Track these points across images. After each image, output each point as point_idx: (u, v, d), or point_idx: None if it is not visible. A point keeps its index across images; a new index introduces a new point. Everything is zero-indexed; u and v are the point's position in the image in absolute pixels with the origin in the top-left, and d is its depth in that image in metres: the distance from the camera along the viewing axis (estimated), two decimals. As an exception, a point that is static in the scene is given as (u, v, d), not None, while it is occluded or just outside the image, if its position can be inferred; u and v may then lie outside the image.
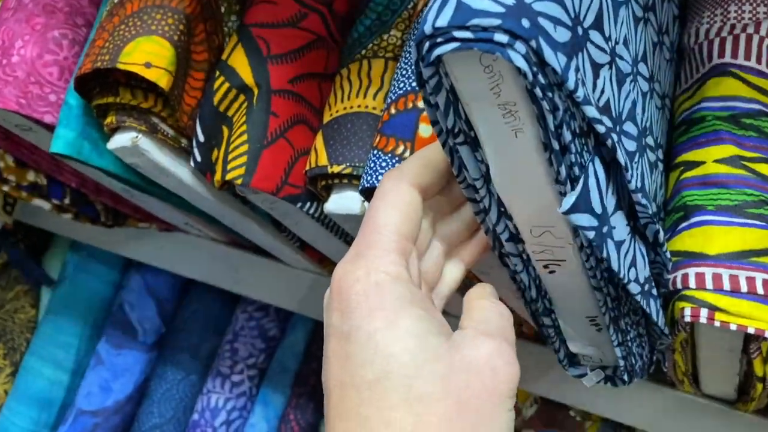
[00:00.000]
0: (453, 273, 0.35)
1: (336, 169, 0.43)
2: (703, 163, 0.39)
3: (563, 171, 0.28)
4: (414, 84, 0.39)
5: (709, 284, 0.37)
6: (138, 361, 0.82)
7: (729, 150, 0.39)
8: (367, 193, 0.41)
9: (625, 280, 0.34)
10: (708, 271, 0.37)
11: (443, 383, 0.26)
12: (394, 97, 0.39)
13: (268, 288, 0.70)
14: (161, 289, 0.83)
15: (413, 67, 0.39)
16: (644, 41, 0.37)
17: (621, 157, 0.30)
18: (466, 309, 0.31)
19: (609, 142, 0.30)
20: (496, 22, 0.24)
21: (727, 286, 0.36)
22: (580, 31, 0.28)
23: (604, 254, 0.32)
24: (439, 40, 0.25)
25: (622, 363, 0.41)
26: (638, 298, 0.35)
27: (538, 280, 0.38)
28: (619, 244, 0.33)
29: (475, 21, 0.24)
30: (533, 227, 0.34)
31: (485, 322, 0.30)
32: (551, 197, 0.30)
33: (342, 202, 0.44)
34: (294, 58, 0.46)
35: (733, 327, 0.36)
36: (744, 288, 0.36)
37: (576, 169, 0.29)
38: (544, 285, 0.38)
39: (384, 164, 0.38)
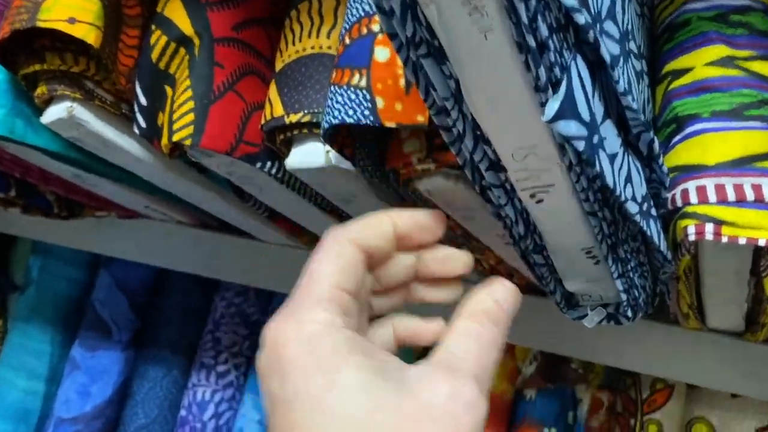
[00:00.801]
0: (383, 336, 0.31)
1: (293, 118, 0.39)
2: (692, 69, 0.36)
3: (543, 74, 0.25)
4: (366, 6, 0.35)
5: (712, 197, 0.33)
6: (115, 361, 0.77)
7: (719, 51, 0.35)
8: (331, 138, 0.37)
9: (622, 199, 0.30)
10: (709, 183, 0.34)
11: None
12: (347, 27, 0.35)
13: (244, 269, 0.66)
14: (131, 283, 0.78)
15: None
16: None
17: (605, 54, 0.27)
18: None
19: (591, 36, 0.26)
20: None
21: (731, 196, 0.33)
22: None
23: (597, 168, 0.28)
24: None
25: (624, 297, 0.38)
26: (637, 218, 0.32)
27: (525, 213, 0.35)
28: (612, 158, 0.29)
29: None
30: (515, 150, 0.30)
31: (451, 351, 0.27)
32: (532, 109, 0.27)
33: (304, 155, 0.40)
34: (236, 2, 0.42)
35: (742, 240, 0.33)
36: (750, 197, 0.33)
37: (557, 71, 0.25)
38: (533, 218, 0.35)
39: (341, 99, 0.34)
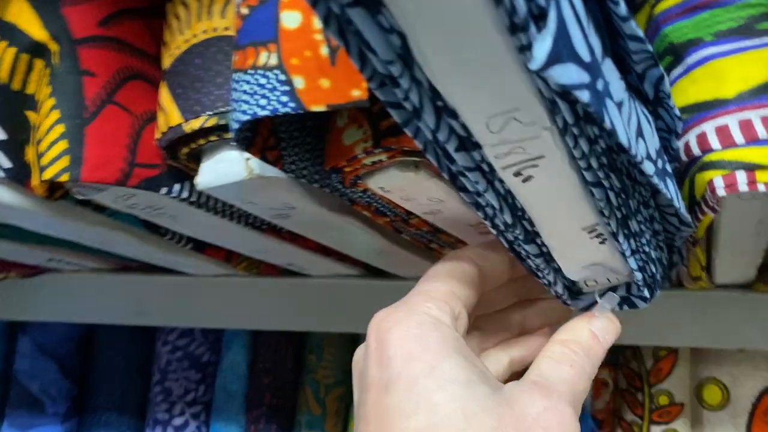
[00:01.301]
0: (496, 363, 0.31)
1: (195, 124, 0.30)
2: (681, -16, 0.29)
3: (521, 4, 0.17)
4: None
5: (738, 137, 0.26)
6: (54, 437, 0.67)
7: (709, -43, 0.28)
8: (247, 142, 0.28)
9: (638, 159, 0.23)
10: (732, 120, 0.27)
11: None
12: None
13: (179, 310, 0.57)
14: (57, 345, 0.68)
15: None
16: None
17: None
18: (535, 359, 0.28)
19: None
20: None
21: (762, 132, 0.26)
22: None
23: (607, 123, 0.21)
24: None
25: (639, 276, 0.31)
26: (654, 180, 0.25)
27: (511, 196, 0.27)
28: (619, 107, 0.22)
29: None
30: (490, 118, 0.22)
31: (546, 376, 0.26)
32: (509, 57, 0.19)
33: (218, 169, 0.32)
34: (99, -8, 0.33)
35: (783, 186, 0.26)
36: (785, 130, 0.26)
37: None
38: (520, 201, 0.27)
39: (248, 87, 0.26)
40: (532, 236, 0.29)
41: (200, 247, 0.44)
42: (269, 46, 0.26)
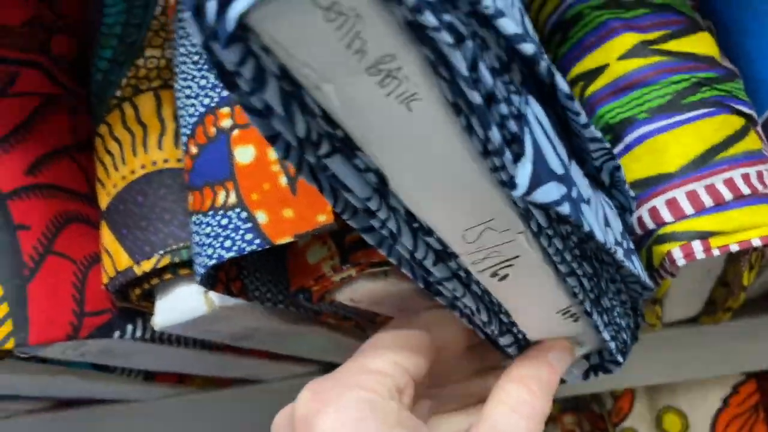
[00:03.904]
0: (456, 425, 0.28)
1: (147, 266, 0.29)
2: (605, 66, 0.30)
3: (495, 134, 0.18)
4: (207, 99, 0.26)
5: (687, 209, 0.28)
6: None
7: (629, 39, 0.30)
8: (212, 281, 0.27)
9: (611, 249, 0.24)
10: (679, 193, 0.28)
11: None
12: (189, 132, 0.26)
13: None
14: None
15: (201, 73, 0.26)
16: None
17: (562, 85, 0.20)
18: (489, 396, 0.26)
19: (543, 67, 0.19)
20: None
21: (708, 201, 0.28)
22: None
23: (586, 227, 0.21)
24: None
25: (612, 345, 0.31)
26: (625, 263, 0.25)
27: (487, 295, 0.27)
28: (588, 203, 0.23)
29: None
30: (466, 231, 0.22)
31: (500, 429, 0.24)
32: (484, 179, 0.20)
33: (176, 307, 0.30)
34: (21, 138, 0.31)
35: (734, 248, 0.27)
36: (728, 196, 0.28)
37: (512, 124, 0.18)
38: (495, 297, 0.27)
39: (210, 230, 0.25)
40: (508, 327, 0.29)
41: (151, 376, 0.42)
42: (226, 184, 0.25)
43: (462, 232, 0.22)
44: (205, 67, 0.27)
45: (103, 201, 0.31)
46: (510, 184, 0.19)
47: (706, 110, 0.29)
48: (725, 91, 0.29)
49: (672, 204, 0.28)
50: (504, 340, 0.29)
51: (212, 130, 0.26)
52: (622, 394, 0.60)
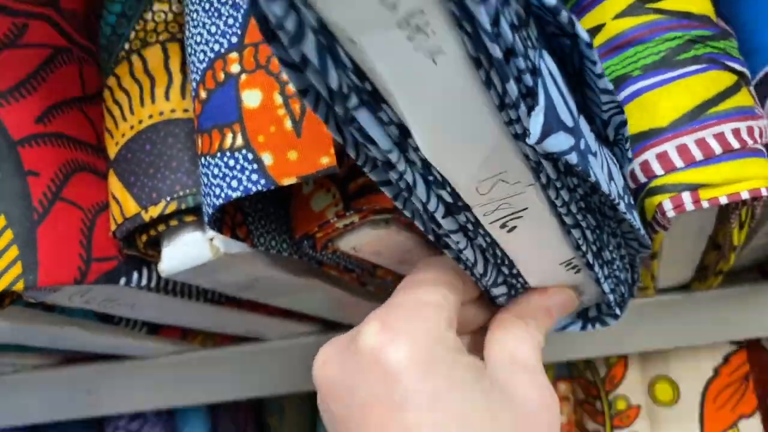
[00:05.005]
0: None
1: (154, 212, 0.30)
2: (602, 26, 0.31)
3: (512, 87, 0.19)
4: (216, 45, 0.27)
5: (678, 161, 0.29)
6: None
7: (625, -2, 0.31)
8: (219, 223, 0.28)
9: (615, 201, 0.25)
10: (670, 147, 0.29)
11: None
12: (198, 77, 0.27)
13: (134, 395, 0.55)
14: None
15: (211, 20, 0.26)
16: None
17: (582, 33, 0.21)
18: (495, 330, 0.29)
19: (564, 17, 0.20)
20: None
21: (698, 155, 0.29)
22: None
23: (592, 178, 0.22)
24: None
25: (611, 298, 0.32)
26: (627, 217, 0.26)
27: (492, 247, 0.28)
28: (595, 156, 0.24)
29: None
30: (480, 183, 0.23)
31: (516, 356, 0.27)
32: (500, 132, 0.21)
33: (182, 253, 0.31)
34: (31, 88, 0.32)
35: (723, 200, 0.28)
36: (717, 149, 0.29)
37: (527, 79, 0.19)
38: (501, 249, 0.28)
39: (218, 171, 0.26)
40: (506, 277, 0.30)
41: (155, 329, 0.43)
42: (234, 126, 0.26)
43: (476, 184, 0.23)
44: (215, 14, 0.27)
45: (112, 150, 0.32)
46: (523, 135, 0.20)
47: (698, 66, 0.29)
48: (719, 48, 0.30)
49: (662, 157, 0.29)
50: (497, 291, 0.30)
51: (221, 75, 0.27)
52: (616, 362, 0.62)
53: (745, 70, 0.31)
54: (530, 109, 0.19)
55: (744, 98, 0.30)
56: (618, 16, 0.31)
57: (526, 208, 0.24)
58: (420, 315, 0.24)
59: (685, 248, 0.39)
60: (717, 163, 0.29)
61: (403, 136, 0.20)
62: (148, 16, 0.33)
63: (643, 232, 0.28)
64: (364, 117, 0.19)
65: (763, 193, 0.29)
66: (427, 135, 0.20)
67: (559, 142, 0.20)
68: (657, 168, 0.29)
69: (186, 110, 0.31)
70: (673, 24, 0.30)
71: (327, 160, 0.26)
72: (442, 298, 0.25)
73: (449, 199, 0.23)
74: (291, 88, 0.26)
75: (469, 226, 0.25)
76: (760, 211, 0.34)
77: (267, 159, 0.26)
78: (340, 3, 0.16)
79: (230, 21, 0.27)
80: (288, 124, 0.26)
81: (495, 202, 0.23)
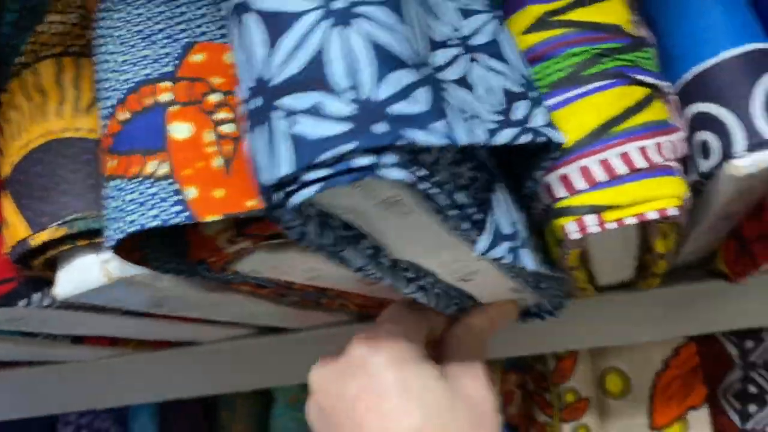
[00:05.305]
0: None
1: (42, 237, 0.29)
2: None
3: (466, 225, 0.25)
4: (147, 70, 0.26)
5: (580, 184, 0.28)
6: None
7: (533, 12, 0.29)
8: (118, 247, 0.27)
9: (541, 270, 0.28)
10: (572, 170, 0.28)
11: None
12: (120, 97, 0.26)
13: (80, 394, 0.54)
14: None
15: (144, 44, 0.26)
16: None
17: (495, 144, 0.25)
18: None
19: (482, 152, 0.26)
20: (350, 146, 0.20)
21: (601, 176, 0.28)
22: (428, 71, 0.23)
23: (523, 266, 0.27)
24: (291, 188, 0.21)
25: (548, 306, 0.36)
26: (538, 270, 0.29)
27: (448, 289, 0.32)
28: (528, 245, 0.28)
29: (327, 155, 0.20)
30: (440, 266, 0.29)
31: (463, 362, 0.32)
32: (458, 244, 0.26)
33: (76, 277, 0.30)
34: None
35: (630, 221, 0.28)
36: (622, 169, 0.28)
37: (477, 215, 0.25)
38: (457, 289, 0.33)
39: (135, 197, 0.25)
40: (458, 303, 0.34)
41: (78, 339, 0.42)
42: (158, 154, 0.25)
43: (437, 267, 0.29)
44: (148, 40, 0.27)
45: (5, 170, 0.31)
46: (475, 248, 0.25)
47: (605, 82, 0.28)
48: (628, 60, 0.29)
49: (565, 180, 0.28)
50: (449, 310, 0.34)
51: (148, 101, 0.26)
52: (565, 356, 0.61)
53: (658, 82, 0.29)
54: (480, 232, 0.25)
55: (655, 112, 0.29)
56: (527, 31, 0.30)
57: (478, 270, 0.29)
58: (394, 333, 0.30)
59: (614, 256, 0.39)
60: (622, 183, 0.28)
61: (375, 251, 0.27)
62: (42, 28, 0.31)
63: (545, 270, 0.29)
64: (348, 252, 0.25)
65: (671, 213, 0.28)
66: (398, 250, 0.27)
67: (498, 252, 0.25)
68: (560, 191, 0.28)
69: (78, 129, 0.30)
70: (580, 37, 0.29)
71: (253, 203, 0.25)
72: (412, 322, 0.31)
73: (414, 275, 0.29)
74: (223, 129, 0.26)
75: (428, 284, 0.29)
76: (685, 221, 0.33)
77: (191, 192, 0.25)
78: (338, 201, 0.23)
79: (165, 50, 0.27)
80: (217, 161, 0.26)
81: (454, 270, 0.29)
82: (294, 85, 0.21)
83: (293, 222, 0.23)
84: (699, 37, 0.31)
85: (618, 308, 0.52)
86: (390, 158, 0.20)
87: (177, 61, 0.27)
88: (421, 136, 0.21)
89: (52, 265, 0.31)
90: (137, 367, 0.52)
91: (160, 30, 0.27)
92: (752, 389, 0.61)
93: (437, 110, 0.21)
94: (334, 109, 0.20)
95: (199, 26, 0.28)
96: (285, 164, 0.20)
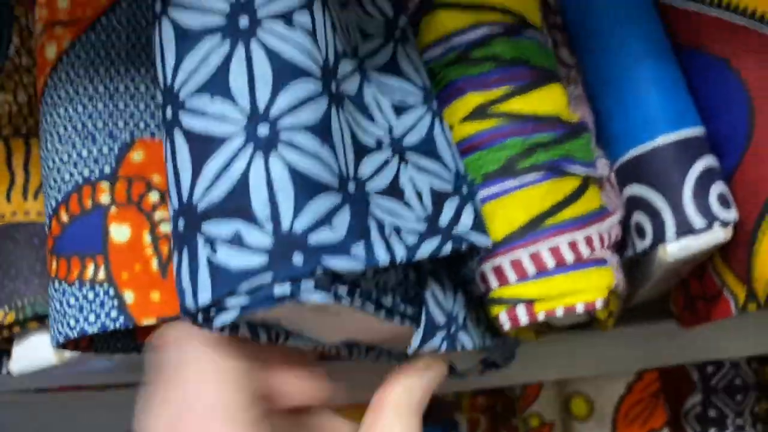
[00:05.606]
0: None
1: (-8, 323, 0.30)
2: (452, 128, 0.30)
3: (398, 320, 0.26)
4: (86, 171, 0.27)
5: (511, 276, 0.29)
6: None
7: (471, 101, 0.30)
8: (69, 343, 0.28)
9: (479, 346, 0.29)
10: (504, 261, 0.29)
11: None
12: (60, 197, 0.27)
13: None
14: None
15: (83, 142, 0.27)
16: None
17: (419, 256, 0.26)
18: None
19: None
20: (268, 277, 0.21)
21: (531, 270, 0.29)
22: (352, 188, 0.24)
23: (459, 348, 0.28)
24: (211, 313, 0.21)
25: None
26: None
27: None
28: (465, 327, 0.28)
29: (244, 286, 0.21)
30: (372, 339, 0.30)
31: None
32: (394, 329, 0.27)
33: (30, 355, 0.31)
34: None
35: (559, 312, 0.29)
36: (551, 263, 0.29)
37: (410, 310, 0.27)
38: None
39: (74, 302, 0.26)
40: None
41: (43, 389, 0.43)
42: (97, 258, 0.26)
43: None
44: (89, 138, 0.28)
45: (-42, 250, 0.32)
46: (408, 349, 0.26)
47: (536, 176, 0.29)
48: (561, 152, 0.30)
49: (497, 271, 0.29)
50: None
51: (88, 203, 0.27)
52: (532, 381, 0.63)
53: (589, 171, 0.30)
54: (417, 324, 0.26)
55: (587, 203, 0.30)
56: (464, 120, 0.30)
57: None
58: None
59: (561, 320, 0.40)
60: (551, 276, 0.29)
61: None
62: (-9, 108, 0.32)
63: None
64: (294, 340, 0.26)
65: (598, 305, 0.29)
66: (336, 339, 0.28)
67: (433, 344, 0.26)
68: (493, 281, 0.29)
69: (27, 212, 0.31)
70: (514, 129, 0.30)
71: None
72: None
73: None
74: (162, 229, 0.27)
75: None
76: (624, 292, 0.34)
77: (129, 297, 0.26)
78: (265, 316, 0.23)
79: (105, 150, 0.28)
80: (154, 264, 0.26)
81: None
82: (217, 211, 0.21)
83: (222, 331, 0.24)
84: (639, 119, 0.32)
85: (577, 344, 0.53)
86: (308, 284, 0.21)
87: (117, 160, 0.27)
88: (339, 264, 0.21)
89: (10, 341, 0.32)
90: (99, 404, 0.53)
91: (101, 128, 0.28)
92: (712, 413, 0.63)
93: (357, 233, 0.22)
94: (254, 239, 0.21)
95: (141, 119, 0.28)
96: (204, 292, 0.21)
